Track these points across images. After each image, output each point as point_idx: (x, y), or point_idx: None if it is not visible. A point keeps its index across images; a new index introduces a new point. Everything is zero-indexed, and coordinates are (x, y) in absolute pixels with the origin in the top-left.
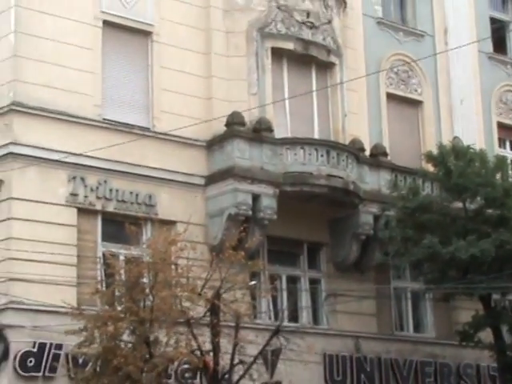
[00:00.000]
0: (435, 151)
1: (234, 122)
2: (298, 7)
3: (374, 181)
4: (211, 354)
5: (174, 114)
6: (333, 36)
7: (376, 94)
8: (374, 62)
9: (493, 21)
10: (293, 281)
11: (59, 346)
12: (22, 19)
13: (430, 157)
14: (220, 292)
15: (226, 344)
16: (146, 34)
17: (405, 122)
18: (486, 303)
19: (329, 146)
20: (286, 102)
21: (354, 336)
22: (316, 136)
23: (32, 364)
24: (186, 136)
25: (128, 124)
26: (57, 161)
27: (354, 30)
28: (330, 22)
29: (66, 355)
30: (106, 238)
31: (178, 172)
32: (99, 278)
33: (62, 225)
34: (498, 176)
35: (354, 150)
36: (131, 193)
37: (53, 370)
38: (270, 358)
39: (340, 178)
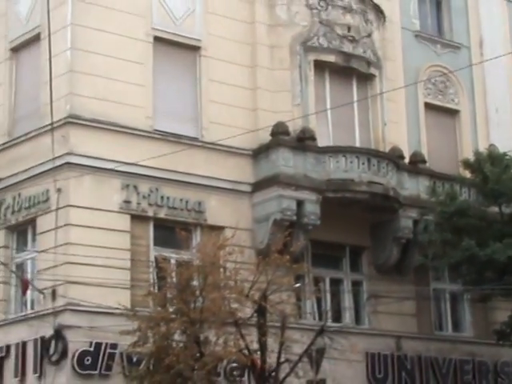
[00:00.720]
0: (472, 158)
1: (279, 131)
2: (339, 22)
3: (414, 187)
4: (258, 352)
5: (221, 125)
6: (373, 49)
7: (414, 103)
8: (412, 73)
9: None
10: (336, 283)
11: (114, 346)
12: (77, 36)
13: (467, 163)
14: (267, 294)
15: (272, 343)
16: (194, 49)
17: (442, 130)
18: None
19: (370, 154)
20: (328, 112)
21: (395, 335)
22: (357, 144)
23: (89, 362)
24: (233, 145)
25: (178, 134)
26: (111, 170)
27: (392, 42)
28: (370, 35)
29: (121, 354)
30: (158, 242)
31: (225, 180)
32: (152, 281)
33: (117, 230)
34: None
35: (393, 158)
36: (181, 200)
37: (108, 368)
38: (314, 357)
39: (380, 184)
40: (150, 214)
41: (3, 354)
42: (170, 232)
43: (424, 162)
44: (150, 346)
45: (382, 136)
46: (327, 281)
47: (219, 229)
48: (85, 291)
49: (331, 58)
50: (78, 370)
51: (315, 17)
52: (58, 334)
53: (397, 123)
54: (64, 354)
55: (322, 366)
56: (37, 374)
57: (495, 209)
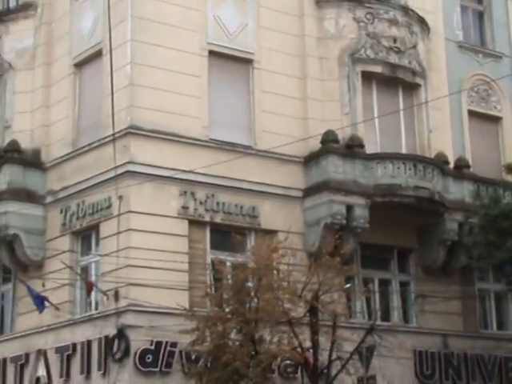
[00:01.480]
0: None
1: (329, 139)
2: (385, 34)
3: (458, 191)
4: (311, 350)
5: (273, 133)
6: (418, 59)
7: (458, 111)
8: (455, 82)
9: None
10: (384, 283)
11: (174, 344)
12: (137, 51)
13: (510, 168)
14: (318, 294)
15: (324, 341)
16: (247, 62)
17: (485, 136)
18: None
19: (416, 160)
20: (376, 120)
21: (442, 334)
22: (404, 151)
23: (150, 360)
24: (285, 153)
25: (232, 143)
26: (169, 177)
27: (437, 53)
28: (415, 46)
29: (180, 352)
30: (214, 246)
31: (278, 186)
32: (209, 283)
33: (175, 235)
34: None
35: (439, 163)
36: (236, 205)
37: (168, 365)
38: (364, 354)
39: (426, 188)
40: (207, 219)
41: (70, 352)
42: (225, 236)
43: (468, 167)
44: (207, 344)
45: (428, 142)
46: (376, 281)
47: (272, 232)
48: (146, 293)
49: (378, 69)
50: (140, 368)
51: (362, 30)
52: (121, 334)
53: (442, 130)
54: (126, 352)
55: (371, 363)
56: (101, 371)
57: None
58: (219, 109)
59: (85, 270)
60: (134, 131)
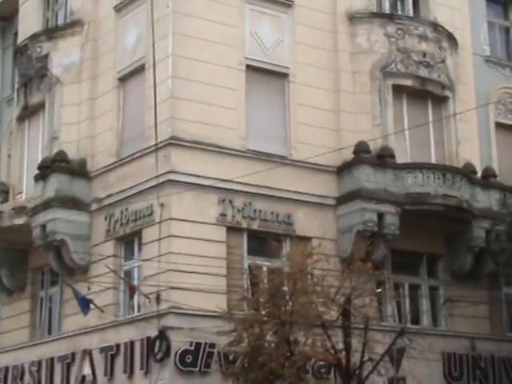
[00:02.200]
0: None
1: (361, 150)
2: (415, 49)
3: (486, 199)
4: (343, 352)
5: (308, 144)
6: (446, 73)
7: (485, 123)
8: (483, 95)
9: None
10: (414, 288)
11: (212, 345)
12: (178, 66)
13: None
14: (351, 298)
15: (356, 343)
16: (283, 76)
17: None
18: None
19: (445, 170)
20: (406, 131)
21: (470, 337)
22: (433, 161)
23: (190, 360)
24: (319, 163)
25: (269, 153)
26: (208, 186)
27: (464, 67)
28: (443, 61)
29: (219, 353)
30: (251, 252)
31: (312, 194)
32: (246, 287)
33: (214, 241)
34: None
35: (466, 173)
36: (272, 213)
37: (207, 365)
38: (395, 356)
39: (455, 197)
40: (244, 225)
41: (114, 352)
42: (262, 242)
43: (495, 176)
44: (244, 345)
45: (456, 153)
46: (406, 286)
47: (307, 239)
48: (186, 296)
49: (408, 82)
50: (180, 367)
51: (393, 45)
52: (162, 335)
53: (469, 141)
54: (167, 352)
55: (402, 364)
56: (143, 371)
57: None
58: (256, 121)
59: (128, 274)
60: (174, 142)
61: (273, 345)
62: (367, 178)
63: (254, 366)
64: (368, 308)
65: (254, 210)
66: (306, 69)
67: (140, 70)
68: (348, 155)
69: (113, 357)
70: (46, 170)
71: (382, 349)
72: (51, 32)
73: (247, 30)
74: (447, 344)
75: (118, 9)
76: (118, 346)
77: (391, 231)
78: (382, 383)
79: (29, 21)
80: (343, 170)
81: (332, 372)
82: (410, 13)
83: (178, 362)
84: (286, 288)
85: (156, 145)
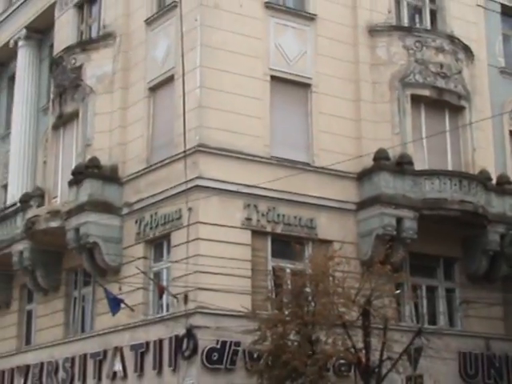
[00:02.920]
0: None
1: (381, 157)
2: (432, 60)
3: (500, 205)
4: (363, 351)
5: (329, 151)
6: (463, 84)
7: (500, 131)
8: (498, 104)
9: None
10: (431, 290)
11: (238, 344)
12: (205, 76)
13: None
14: (370, 299)
15: (375, 343)
16: (306, 86)
17: None
18: None
19: (461, 176)
20: (424, 140)
21: (485, 337)
22: (449, 168)
23: (216, 358)
24: (340, 169)
25: (292, 160)
26: (234, 191)
27: (480, 78)
28: (460, 72)
29: (244, 351)
30: (275, 254)
31: (333, 199)
32: (270, 288)
33: (239, 244)
34: None
35: (482, 179)
36: (295, 217)
37: (233, 363)
38: (413, 355)
39: (471, 203)
40: (268, 229)
41: (143, 350)
42: (285, 245)
43: (510, 183)
44: (268, 344)
45: (472, 160)
46: (424, 288)
47: (328, 242)
48: (212, 296)
49: (426, 93)
50: (207, 365)
51: (411, 56)
52: (190, 333)
53: (485, 149)
54: (195, 350)
55: (419, 363)
56: (171, 368)
57: None
58: (280, 129)
59: (157, 275)
60: (202, 149)
61: (295, 344)
62: (386, 184)
63: (277, 364)
64: (387, 309)
65: (278, 215)
66: (328, 79)
67: (169, 80)
68: (368, 162)
69: (142, 354)
70: (79, 176)
71: (400, 348)
72: (85, 44)
73: (272, 42)
74: (463, 344)
75: (148, 22)
76: (147, 343)
77: (409, 235)
78: (401, 381)
79: (64, 34)
80: (363, 176)
81: (352, 370)
82: (428, 26)
83: (204, 359)
84: (308, 289)
85: (184, 152)
